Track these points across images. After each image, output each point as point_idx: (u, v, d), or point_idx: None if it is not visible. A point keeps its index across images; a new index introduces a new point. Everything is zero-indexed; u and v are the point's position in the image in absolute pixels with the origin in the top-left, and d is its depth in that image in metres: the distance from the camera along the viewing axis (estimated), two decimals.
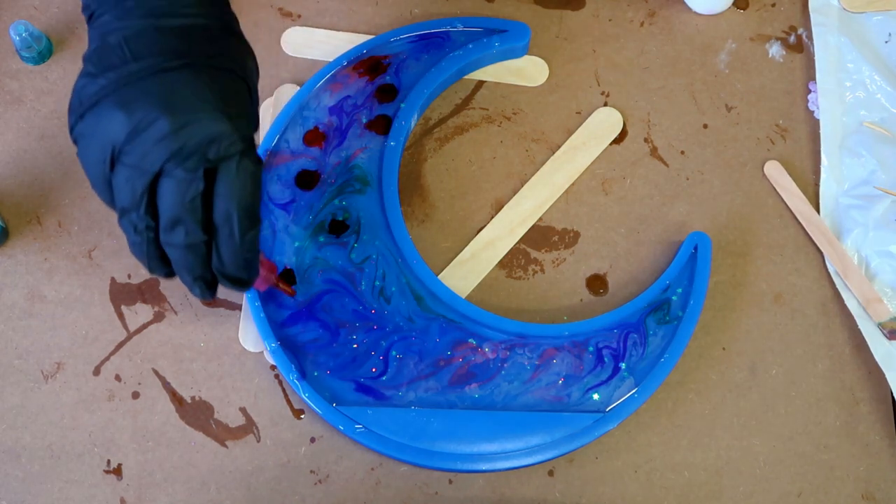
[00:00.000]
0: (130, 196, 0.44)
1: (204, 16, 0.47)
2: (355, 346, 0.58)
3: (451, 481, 0.58)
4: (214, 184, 0.45)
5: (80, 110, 0.45)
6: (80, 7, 0.49)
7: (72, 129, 0.46)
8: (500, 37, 0.66)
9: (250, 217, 0.47)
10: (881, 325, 0.61)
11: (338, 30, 0.69)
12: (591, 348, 0.59)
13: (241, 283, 0.49)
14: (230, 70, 0.47)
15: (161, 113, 0.43)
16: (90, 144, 0.45)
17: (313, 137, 0.63)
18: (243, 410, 0.59)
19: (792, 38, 0.71)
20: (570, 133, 0.67)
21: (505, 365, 0.58)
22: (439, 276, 0.62)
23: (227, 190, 0.45)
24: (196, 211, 0.45)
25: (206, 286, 0.48)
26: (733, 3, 0.71)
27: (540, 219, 0.64)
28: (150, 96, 0.44)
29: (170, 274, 0.48)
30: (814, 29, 0.70)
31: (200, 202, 0.45)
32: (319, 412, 0.57)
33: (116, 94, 0.44)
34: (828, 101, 0.68)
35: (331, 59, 0.66)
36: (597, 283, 0.63)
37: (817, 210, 0.65)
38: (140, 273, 0.62)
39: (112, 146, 0.44)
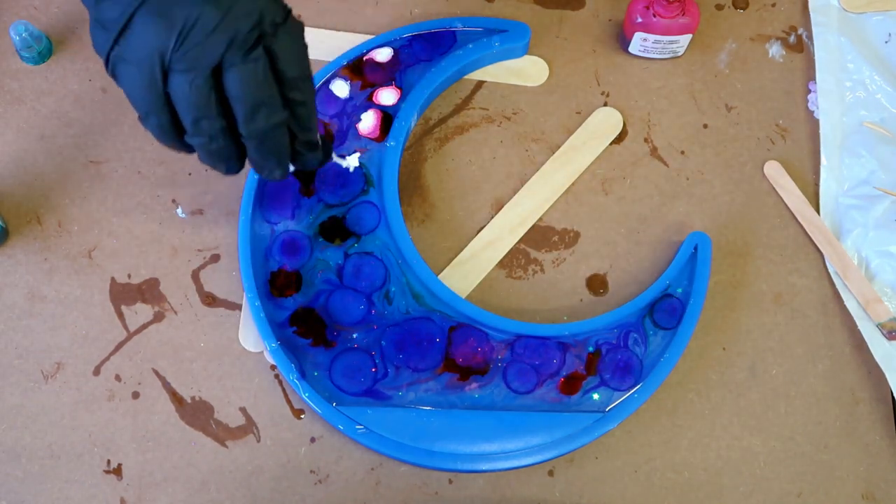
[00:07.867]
0: (199, 99, 0.43)
1: None
2: (355, 346, 0.58)
3: (451, 481, 0.58)
4: (271, 57, 0.44)
5: (111, 36, 0.42)
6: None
7: (107, 61, 0.43)
8: (500, 37, 0.66)
9: (310, 76, 0.46)
10: (881, 326, 0.61)
11: (338, 30, 0.69)
12: (591, 348, 0.59)
13: (317, 148, 0.50)
14: None
15: (202, 5, 0.41)
16: (135, 65, 0.42)
17: None
18: (243, 410, 0.59)
19: (792, 38, 0.71)
20: (570, 133, 0.67)
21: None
22: (439, 276, 0.61)
23: (291, 56, 0.44)
24: (272, 86, 0.44)
25: (287, 165, 0.49)
26: (733, 4, 0.71)
27: (540, 219, 0.64)
28: None
29: (240, 167, 0.48)
30: (814, 29, 0.70)
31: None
32: (319, 412, 0.57)
33: (146, 5, 0.42)
34: (828, 101, 0.68)
35: (331, 59, 0.66)
36: (597, 283, 0.63)
37: (817, 210, 0.65)
38: (140, 273, 0.62)
39: (161, 57, 0.42)
